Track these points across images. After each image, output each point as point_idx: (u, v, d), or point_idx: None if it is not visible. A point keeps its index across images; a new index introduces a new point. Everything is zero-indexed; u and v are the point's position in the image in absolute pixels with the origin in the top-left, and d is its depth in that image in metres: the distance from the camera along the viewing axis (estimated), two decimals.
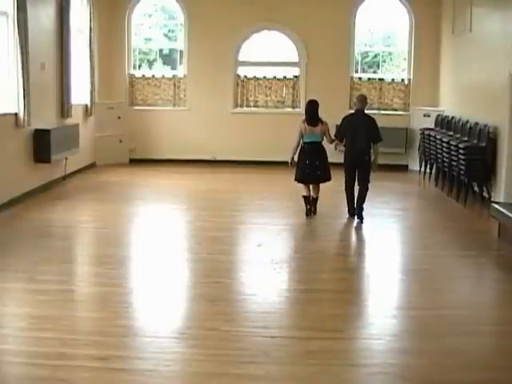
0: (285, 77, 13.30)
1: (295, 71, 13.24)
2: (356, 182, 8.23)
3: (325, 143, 8.29)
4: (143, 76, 13.42)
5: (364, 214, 8.08)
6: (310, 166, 8.15)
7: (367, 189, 8.15)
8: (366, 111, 8.37)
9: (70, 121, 10.70)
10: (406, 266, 6.59)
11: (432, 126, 11.87)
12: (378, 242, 7.59)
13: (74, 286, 5.66)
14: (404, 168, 12.82)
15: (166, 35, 14.05)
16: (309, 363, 4.11)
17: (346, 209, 8.33)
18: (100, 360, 4.06)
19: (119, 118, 12.84)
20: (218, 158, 13.09)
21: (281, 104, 13.37)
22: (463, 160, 9.09)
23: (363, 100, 8.31)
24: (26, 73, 8.68)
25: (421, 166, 12.01)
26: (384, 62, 13.69)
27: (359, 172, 8.15)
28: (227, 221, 8.23)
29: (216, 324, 4.69)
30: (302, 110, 11.40)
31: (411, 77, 13.04)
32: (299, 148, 8.29)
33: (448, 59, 12.17)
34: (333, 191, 8.90)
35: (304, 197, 8.31)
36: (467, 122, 10.03)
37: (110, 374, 3.92)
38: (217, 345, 4.36)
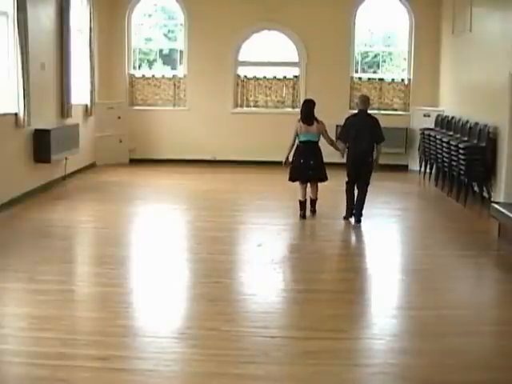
0: (285, 77, 13.30)
1: (295, 71, 13.24)
2: (356, 184, 8.15)
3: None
4: (143, 76, 13.42)
5: (362, 218, 7.97)
6: (303, 165, 8.10)
7: (366, 192, 8.07)
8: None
9: (69, 121, 10.70)
10: (406, 266, 6.59)
11: (432, 126, 11.86)
12: (378, 242, 7.59)
13: (73, 286, 5.66)
14: (404, 168, 12.82)
15: (165, 35, 14.05)
16: (308, 363, 4.11)
17: (345, 210, 8.24)
18: (100, 360, 4.06)
19: (119, 118, 12.84)
20: (218, 158, 13.09)
21: (281, 104, 13.37)
22: (463, 160, 9.09)
23: (366, 100, 8.24)
24: (26, 73, 8.67)
25: (421, 166, 12.01)
26: (384, 62, 13.69)
27: (361, 173, 8.03)
28: (227, 221, 8.23)
29: (216, 324, 4.69)
30: None
31: (411, 77, 13.04)
32: (295, 147, 8.24)
33: (448, 59, 12.16)
34: (333, 191, 8.90)
35: (300, 202, 8.26)
36: (467, 122, 10.02)
37: (110, 373, 3.92)
38: (217, 345, 4.36)
